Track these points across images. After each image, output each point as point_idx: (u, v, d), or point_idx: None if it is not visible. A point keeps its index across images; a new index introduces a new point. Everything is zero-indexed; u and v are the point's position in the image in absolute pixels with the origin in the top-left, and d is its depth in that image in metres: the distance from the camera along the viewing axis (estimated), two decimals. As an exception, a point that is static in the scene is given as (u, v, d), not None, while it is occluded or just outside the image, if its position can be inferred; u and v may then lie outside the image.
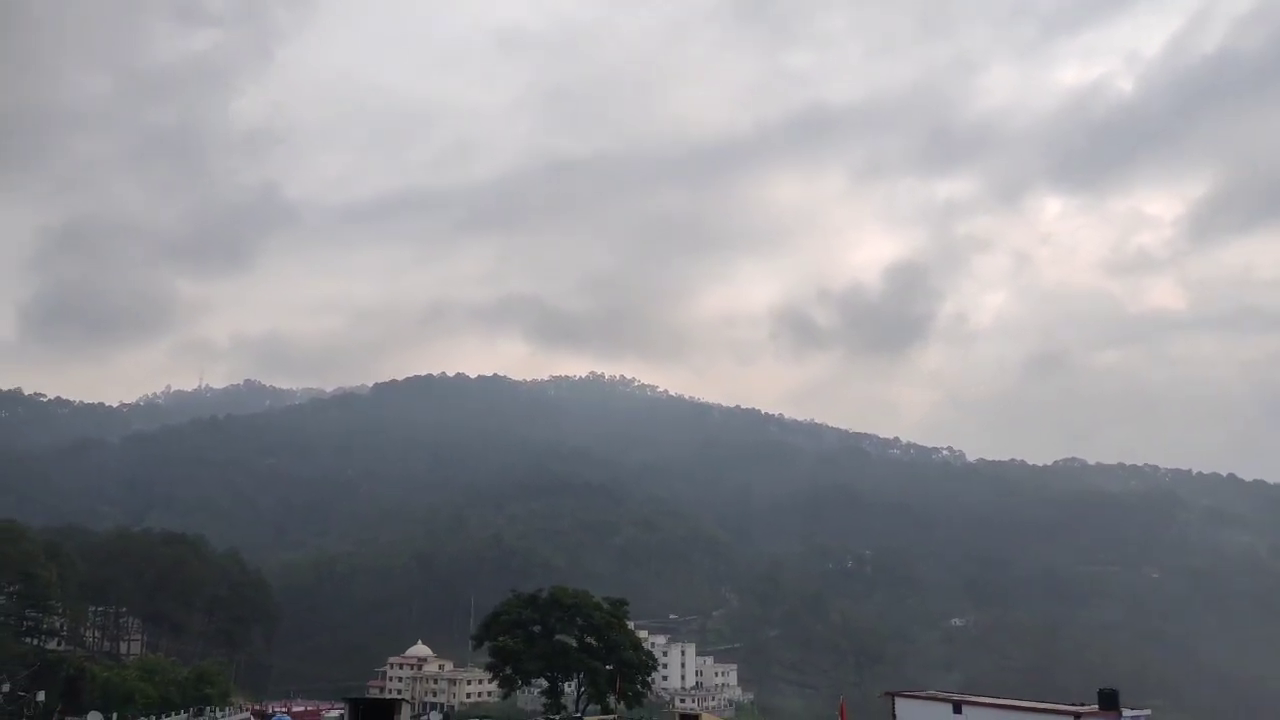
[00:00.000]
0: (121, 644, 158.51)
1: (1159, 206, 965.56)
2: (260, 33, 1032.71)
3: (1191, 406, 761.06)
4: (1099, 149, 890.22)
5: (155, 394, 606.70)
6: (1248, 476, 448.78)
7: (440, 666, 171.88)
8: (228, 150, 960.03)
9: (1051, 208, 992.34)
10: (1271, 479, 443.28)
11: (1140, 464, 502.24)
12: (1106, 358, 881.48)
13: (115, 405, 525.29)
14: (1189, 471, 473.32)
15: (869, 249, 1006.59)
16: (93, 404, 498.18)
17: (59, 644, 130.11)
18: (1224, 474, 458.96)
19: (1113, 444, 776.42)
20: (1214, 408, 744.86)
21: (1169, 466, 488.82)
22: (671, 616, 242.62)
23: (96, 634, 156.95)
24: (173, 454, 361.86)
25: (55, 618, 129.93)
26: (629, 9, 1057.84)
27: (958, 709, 48.01)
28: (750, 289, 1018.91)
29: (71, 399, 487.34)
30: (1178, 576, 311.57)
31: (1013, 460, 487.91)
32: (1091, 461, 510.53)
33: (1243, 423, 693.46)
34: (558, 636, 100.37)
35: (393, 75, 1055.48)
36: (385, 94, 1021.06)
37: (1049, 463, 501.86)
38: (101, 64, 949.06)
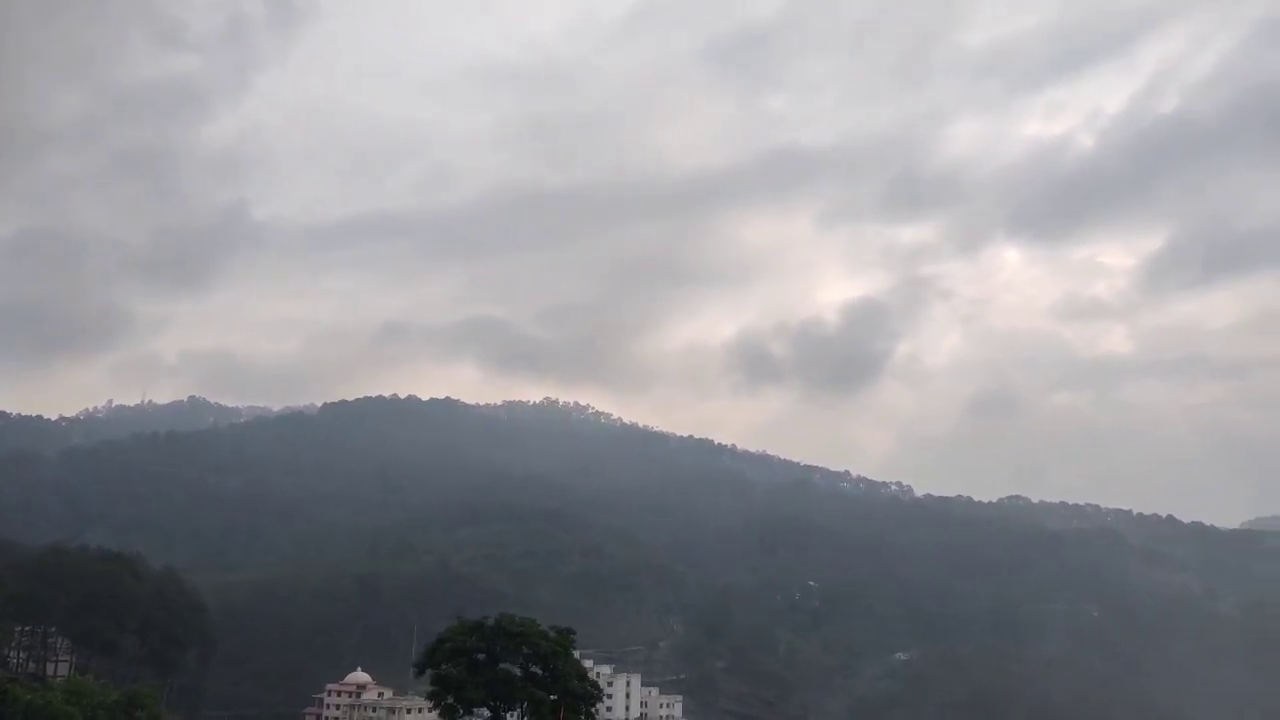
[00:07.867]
0: (48, 665, 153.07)
1: (1114, 258, 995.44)
2: (240, 60, 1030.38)
3: (1137, 449, 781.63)
4: (1059, 201, 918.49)
5: (96, 408, 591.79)
6: (1186, 518, 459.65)
7: (380, 694, 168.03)
8: (198, 171, 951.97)
9: (1010, 255, 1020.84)
10: (1209, 521, 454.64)
11: (1083, 503, 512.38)
12: (1057, 400, 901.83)
13: (54, 419, 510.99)
14: (1129, 512, 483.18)
15: (832, 289, 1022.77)
16: (31, 416, 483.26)
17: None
18: (1163, 515, 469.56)
19: (1060, 484, 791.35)
20: (1159, 451, 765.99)
21: (1110, 506, 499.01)
22: (630, 648, 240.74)
23: (21, 654, 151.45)
24: (112, 470, 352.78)
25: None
26: (612, 47, 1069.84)
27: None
28: (715, 324, 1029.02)
29: (9, 411, 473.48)
30: (1117, 615, 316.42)
31: (959, 497, 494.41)
32: (1036, 500, 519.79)
33: (1186, 466, 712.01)
34: (502, 665, 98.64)
35: (373, 102, 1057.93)
36: (364, 120, 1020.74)
37: (994, 500, 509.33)
38: (77, 82, 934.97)
